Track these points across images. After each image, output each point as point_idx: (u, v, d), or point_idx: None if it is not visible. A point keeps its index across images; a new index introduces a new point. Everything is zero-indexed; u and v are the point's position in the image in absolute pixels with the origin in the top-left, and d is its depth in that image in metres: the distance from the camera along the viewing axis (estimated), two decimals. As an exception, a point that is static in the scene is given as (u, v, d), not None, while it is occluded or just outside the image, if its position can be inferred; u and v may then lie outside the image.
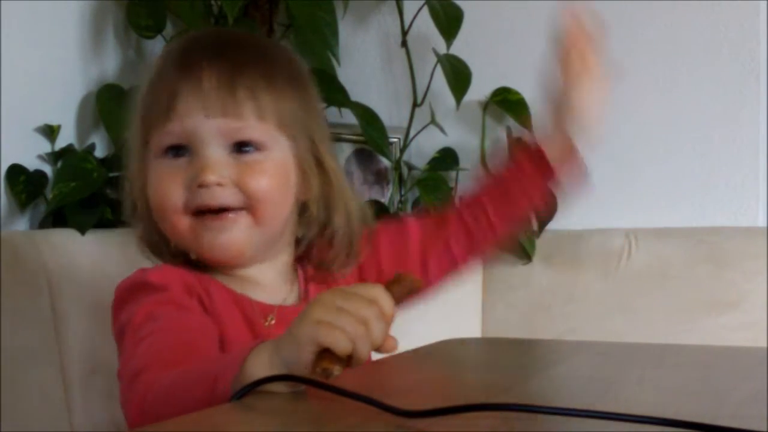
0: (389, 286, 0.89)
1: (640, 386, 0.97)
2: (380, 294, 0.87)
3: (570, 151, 1.22)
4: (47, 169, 1.70)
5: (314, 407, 0.83)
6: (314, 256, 1.20)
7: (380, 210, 1.82)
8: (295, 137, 1.14)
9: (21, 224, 1.68)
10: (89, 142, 1.79)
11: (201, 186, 1.09)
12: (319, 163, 1.17)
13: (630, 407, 0.82)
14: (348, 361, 0.85)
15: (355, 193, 1.24)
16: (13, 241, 1.49)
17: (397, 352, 1.15)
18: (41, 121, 1.72)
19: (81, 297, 1.48)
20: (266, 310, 1.13)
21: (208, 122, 1.09)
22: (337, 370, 0.84)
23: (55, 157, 1.71)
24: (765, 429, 0.72)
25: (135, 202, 1.16)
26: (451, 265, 1.25)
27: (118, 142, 1.75)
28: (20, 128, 1.69)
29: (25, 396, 1.46)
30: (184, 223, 1.11)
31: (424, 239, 1.25)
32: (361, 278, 1.22)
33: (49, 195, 1.64)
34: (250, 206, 1.11)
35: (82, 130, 1.81)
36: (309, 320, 0.86)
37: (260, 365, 0.86)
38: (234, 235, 1.10)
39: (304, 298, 1.17)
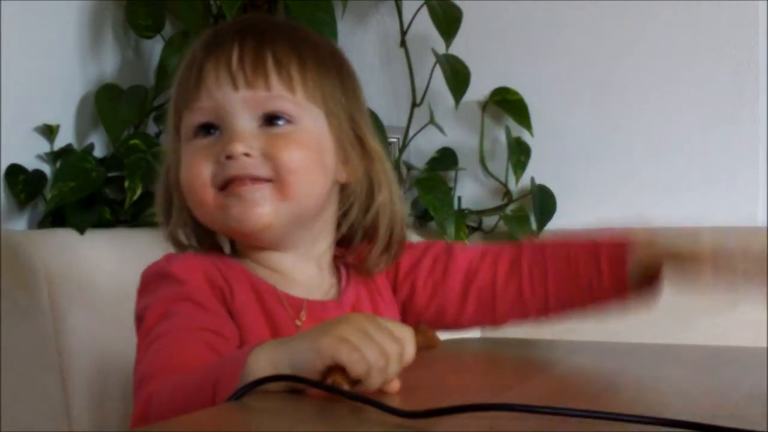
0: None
1: (639, 386, 0.97)
2: (408, 337, 0.88)
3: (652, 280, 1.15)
4: (46, 169, 1.70)
5: (314, 407, 0.83)
6: (353, 251, 1.17)
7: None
8: (332, 113, 1.12)
9: (20, 224, 1.68)
10: (88, 141, 1.79)
11: (229, 157, 1.07)
12: (362, 144, 1.14)
13: (630, 407, 0.82)
14: (356, 383, 0.85)
15: (399, 183, 1.20)
16: (12, 240, 1.49)
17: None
18: (40, 121, 1.72)
19: (80, 297, 1.48)
20: (295, 304, 1.10)
21: (236, 95, 1.08)
22: (345, 387, 0.84)
23: (54, 156, 1.70)
24: (765, 429, 0.72)
25: (171, 193, 1.14)
26: (488, 317, 1.20)
27: (116, 142, 1.76)
28: (19, 128, 1.69)
29: (24, 396, 1.46)
30: (211, 196, 1.08)
31: (469, 274, 1.19)
32: (396, 290, 1.20)
33: (48, 195, 1.64)
34: (278, 179, 1.07)
35: (81, 130, 1.80)
36: (335, 335, 0.85)
37: (262, 364, 0.86)
38: (261, 205, 1.07)
39: (341, 299, 1.14)
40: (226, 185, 1.07)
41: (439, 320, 1.19)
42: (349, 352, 0.84)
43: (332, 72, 1.14)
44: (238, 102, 1.08)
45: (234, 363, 0.88)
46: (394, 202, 1.16)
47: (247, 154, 1.06)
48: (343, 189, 1.15)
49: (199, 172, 1.08)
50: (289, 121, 1.09)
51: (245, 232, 1.10)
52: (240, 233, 1.11)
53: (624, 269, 1.14)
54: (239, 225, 1.08)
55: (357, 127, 1.14)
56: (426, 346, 0.93)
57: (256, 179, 1.07)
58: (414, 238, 1.89)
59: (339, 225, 1.16)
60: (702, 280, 1.10)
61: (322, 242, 1.15)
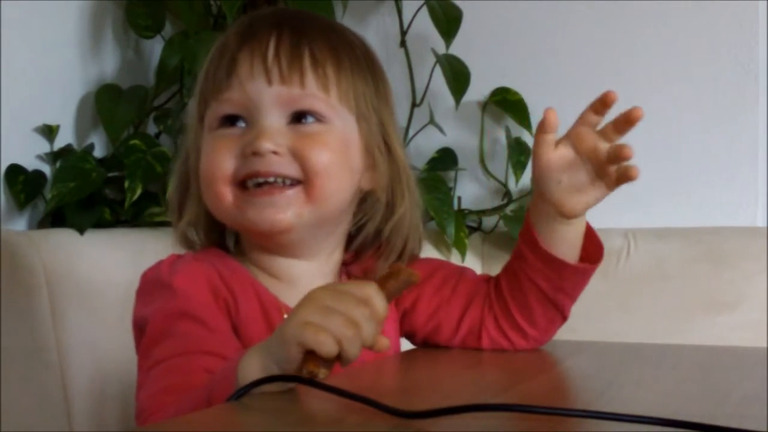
0: (384, 280, 0.86)
1: (639, 386, 0.97)
2: (373, 293, 0.84)
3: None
4: (46, 169, 1.70)
5: (313, 407, 0.83)
6: (361, 261, 1.14)
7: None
8: (363, 117, 1.09)
9: (20, 224, 1.68)
10: (88, 142, 1.79)
11: (255, 154, 1.03)
12: (389, 151, 1.11)
13: (629, 407, 0.82)
14: (337, 361, 0.84)
15: (419, 193, 1.16)
16: (12, 241, 1.49)
17: (400, 351, 1.16)
18: (40, 121, 1.72)
19: (79, 297, 1.48)
20: None
21: (270, 90, 1.04)
22: (322, 373, 0.83)
23: (54, 157, 1.70)
24: (765, 429, 0.72)
25: (187, 185, 1.11)
26: (476, 341, 1.15)
27: (116, 142, 1.76)
28: (19, 128, 1.69)
29: (24, 396, 1.46)
30: (228, 193, 1.05)
31: (467, 302, 1.15)
32: (399, 299, 1.15)
33: (48, 195, 1.64)
34: (306, 180, 1.04)
35: (81, 130, 1.80)
36: (296, 320, 0.83)
37: (252, 370, 0.85)
38: (282, 209, 1.04)
39: None
40: (247, 179, 1.04)
41: (432, 337, 1.16)
42: (313, 334, 0.82)
43: (366, 73, 1.11)
44: (271, 98, 1.05)
45: (225, 376, 0.87)
46: (413, 215, 1.13)
47: (275, 152, 1.04)
48: (363, 197, 1.12)
49: (220, 163, 1.05)
50: (318, 120, 1.06)
51: (263, 232, 1.07)
52: (257, 233, 1.08)
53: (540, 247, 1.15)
54: (256, 226, 1.06)
55: (386, 133, 1.12)
56: (406, 286, 0.87)
57: (285, 185, 1.04)
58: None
59: (354, 234, 1.14)
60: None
61: (338, 253, 1.13)
